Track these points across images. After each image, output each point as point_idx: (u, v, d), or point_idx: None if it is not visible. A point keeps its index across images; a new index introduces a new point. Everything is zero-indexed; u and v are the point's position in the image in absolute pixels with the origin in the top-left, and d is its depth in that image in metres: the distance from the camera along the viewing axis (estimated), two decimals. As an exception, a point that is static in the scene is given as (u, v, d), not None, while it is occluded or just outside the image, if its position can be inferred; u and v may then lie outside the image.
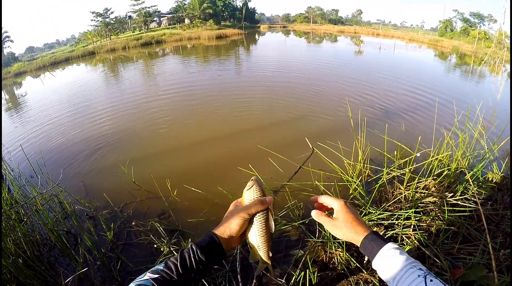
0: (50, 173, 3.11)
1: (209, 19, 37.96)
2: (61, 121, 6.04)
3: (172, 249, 1.94)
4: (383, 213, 2.00)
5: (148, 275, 0.74)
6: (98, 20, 35.75)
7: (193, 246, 0.80)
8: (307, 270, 1.67)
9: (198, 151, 4.09)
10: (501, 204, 2.12)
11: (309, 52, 17.54)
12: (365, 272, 1.69)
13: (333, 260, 1.86)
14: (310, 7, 52.55)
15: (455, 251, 1.72)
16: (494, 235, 1.82)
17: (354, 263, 1.75)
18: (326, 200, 0.95)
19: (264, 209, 0.86)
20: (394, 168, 2.32)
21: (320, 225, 2.05)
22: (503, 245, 1.70)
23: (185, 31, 34.56)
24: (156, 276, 0.74)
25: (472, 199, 2.09)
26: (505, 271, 1.50)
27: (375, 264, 0.83)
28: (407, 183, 2.32)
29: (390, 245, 0.81)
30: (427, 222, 1.95)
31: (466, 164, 2.36)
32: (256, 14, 50.36)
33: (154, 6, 42.00)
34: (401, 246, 1.78)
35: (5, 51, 33.45)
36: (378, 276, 1.49)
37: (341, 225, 0.88)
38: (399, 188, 2.36)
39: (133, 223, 2.48)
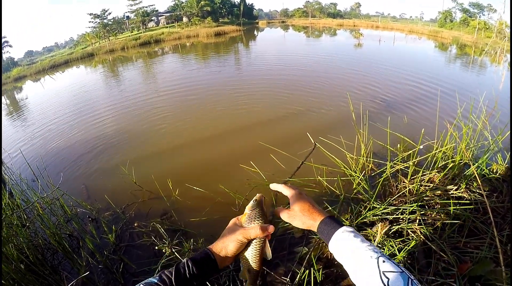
0: (52, 176, 3.10)
1: (207, 17, 37.77)
2: (61, 124, 6.04)
3: (174, 250, 1.92)
4: (388, 208, 1.97)
5: None
6: (96, 22, 35.75)
7: (188, 262, 0.80)
8: (312, 268, 1.65)
9: (199, 149, 4.07)
10: (507, 195, 2.09)
11: (308, 46, 17.43)
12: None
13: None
14: (308, 1, 52.16)
15: (461, 245, 1.70)
16: (501, 228, 1.79)
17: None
18: (275, 186, 0.95)
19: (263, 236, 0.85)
20: (397, 161, 2.29)
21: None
22: (510, 238, 1.66)
23: (184, 29, 34.37)
24: None
25: (478, 191, 2.06)
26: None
27: (331, 247, 0.81)
28: (411, 177, 2.29)
29: (345, 228, 0.79)
30: (432, 215, 1.92)
31: (470, 156, 2.32)
32: (254, 10, 50.03)
33: (152, 5, 42.01)
34: (406, 241, 1.76)
35: (4, 56, 33.50)
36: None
37: (299, 214, 0.86)
38: (403, 182, 2.33)
39: (135, 224, 2.46)
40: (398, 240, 1.78)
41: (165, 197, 2.81)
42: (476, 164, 2.20)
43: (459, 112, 2.61)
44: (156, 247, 1.95)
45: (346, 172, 2.49)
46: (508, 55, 11.17)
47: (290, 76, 8.07)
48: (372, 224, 2.02)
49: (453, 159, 2.31)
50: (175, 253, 1.91)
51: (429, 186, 2.22)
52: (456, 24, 30.37)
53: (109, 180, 3.42)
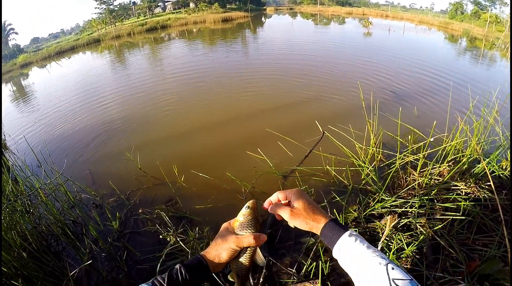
0: (56, 162, 3.09)
1: (214, 3, 37.11)
2: (66, 109, 6.03)
3: (178, 239, 1.90)
4: (397, 200, 1.92)
5: None
6: (102, 8, 35.38)
7: (181, 269, 0.81)
8: (319, 260, 1.61)
9: (206, 135, 4.02)
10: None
11: (317, 34, 17.06)
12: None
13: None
14: (317, -12, 50.97)
15: (470, 242, 1.66)
16: (511, 226, 1.73)
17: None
18: (281, 194, 0.91)
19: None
20: (407, 153, 2.22)
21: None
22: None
23: (190, 15, 33.83)
24: None
25: (487, 187, 2.00)
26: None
27: (335, 253, 0.78)
28: (420, 169, 2.22)
29: (349, 233, 0.76)
30: (441, 210, 1.86)
31: (481, 151, 2.25)
32: (262, -3, 49.11)
33: (158, -9, 41.27)
34: (414, 236, 1.71)
35: (10, 43, 33.47)
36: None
37: (302, 213, 0.83)
38: (413, 174, 2.28)
39: (140, 211, 2.45)
40: (406, 234, 1.74)
41: (170, 183, 2.77)
42: (487, 160, 2.12)
43: (471, 106, 2.51)
44: (161, 236, 1.92)
45: (354, 162, 2.44)
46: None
47: (299, 62, 7.92)
48: (380, 216, 1.98)
49: (463, 154, 2.24)
50: (180, 242, 1.88)
51: (438, 180, 2.16)
52: (467, 16, 29.47)
53: (114, 166, 3.39)
